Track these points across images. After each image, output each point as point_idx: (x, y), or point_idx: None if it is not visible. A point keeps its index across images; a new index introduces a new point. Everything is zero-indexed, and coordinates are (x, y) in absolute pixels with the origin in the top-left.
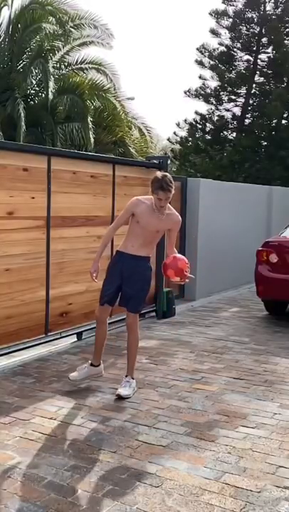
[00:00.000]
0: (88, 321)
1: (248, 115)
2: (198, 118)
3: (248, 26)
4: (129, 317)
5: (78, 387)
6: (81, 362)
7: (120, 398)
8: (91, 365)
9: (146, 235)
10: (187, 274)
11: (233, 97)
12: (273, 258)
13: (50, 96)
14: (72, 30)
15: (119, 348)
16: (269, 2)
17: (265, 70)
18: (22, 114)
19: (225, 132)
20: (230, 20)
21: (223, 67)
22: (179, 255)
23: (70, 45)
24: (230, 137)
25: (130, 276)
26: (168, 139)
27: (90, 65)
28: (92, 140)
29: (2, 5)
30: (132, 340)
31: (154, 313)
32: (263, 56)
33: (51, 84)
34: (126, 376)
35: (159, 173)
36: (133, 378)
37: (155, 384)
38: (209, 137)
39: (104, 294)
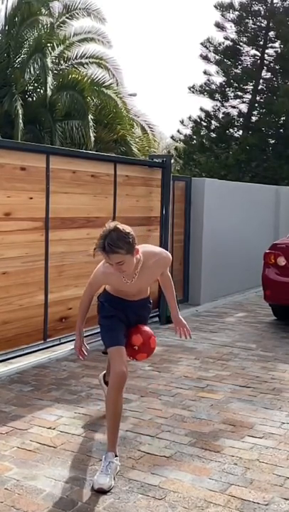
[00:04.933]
0: (89, 326)
1: (255, 112)
2: (203, 115)
3: (255, 20)
4: None
5: (78, 395)
6: (81, 369)
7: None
8: (115, 456)
9: (137, 293)
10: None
11: (240, 94)
12: (281, 261)
13: (49, 92)
14: (66, 20)
15: None
16: None
17: (272, 65)
18: (20, 111)
19: (231, 130)
20: (236, 13)
21: (229, 62)
22: (142, 332)
23: (69, 40)
24: (236, 135)
25: (136, 317)
26: (172, 137)
27: (91, 60)
28: (92, 138)
29: None
30: None
31: (157, 319)
32: (270, 51)
33: (50, 79)
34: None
35: (107, 225)
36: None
37: (158, 392)
38: (214, 135)
39: (114, 336)
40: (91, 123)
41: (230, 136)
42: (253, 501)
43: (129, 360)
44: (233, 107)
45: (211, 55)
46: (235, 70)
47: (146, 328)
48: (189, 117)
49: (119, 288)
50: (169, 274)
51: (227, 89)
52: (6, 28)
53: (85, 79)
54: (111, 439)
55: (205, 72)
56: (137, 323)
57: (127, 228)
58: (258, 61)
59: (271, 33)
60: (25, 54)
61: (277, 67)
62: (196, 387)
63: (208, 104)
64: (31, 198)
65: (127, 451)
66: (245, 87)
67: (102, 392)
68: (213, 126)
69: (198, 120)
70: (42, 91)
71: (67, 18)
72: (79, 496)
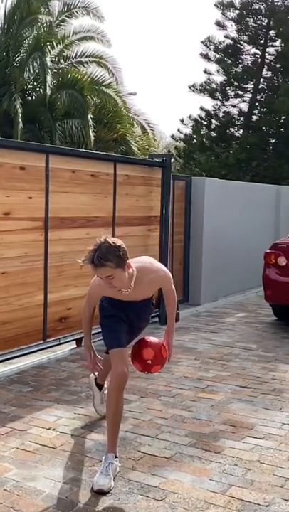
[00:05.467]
0: None
1: (256, 111)
2: (203, 114)
3: (256, 18)
4: None
5: (78, 395)
6: (81, 369)
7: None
8: (115, 457)
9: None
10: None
11: (240, 93)
12: (282, 261)
13: (48, 91)
14: (65, 19)
15: None
16: None
17: (273, 63)
18: (19, 110)
19: (231, 129)
20: (237, 11)
21: (230, 61)
22: (152, 343)
23: (68, 39)
24: (236, 134)
25: (138, 318)
26: (172, 136)
27: (91, 59)
28: (92, 137)
29: None
30: None
31: (156, 319)
32: (270, 49)
33: (49, 78)
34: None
35: (98, 239)
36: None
37: (158, 392)
38: (215, 134)
39: (115, 337)
40: (91, 122)
41: (230, 135)
42: (253, 502)
43: (131, 364)
44: (234, 106)
45: (212, 54)
46: (236, 69)
47: (153, 339)
48: (189, 116)
49: (117, 298)
50: (174, 289)
51: (227, 88)
52: (5, 26)
53: (85, 78)
54: (111, 440)
55: (205, 71)
56: (138, 323)
57: (118, 241)
58: (259, 60)
59: (272, 32)
60: (24, 53)
61: (277, 66)
62: (196, 387)
63: (209, 103)
64: (30, 198)
65: (126, 452)
66: (246, 86)
67: None
68: (213, 126)
69: (199, 119)
70: (41, 90)
71: (66, 16)
72: (78, 497)
